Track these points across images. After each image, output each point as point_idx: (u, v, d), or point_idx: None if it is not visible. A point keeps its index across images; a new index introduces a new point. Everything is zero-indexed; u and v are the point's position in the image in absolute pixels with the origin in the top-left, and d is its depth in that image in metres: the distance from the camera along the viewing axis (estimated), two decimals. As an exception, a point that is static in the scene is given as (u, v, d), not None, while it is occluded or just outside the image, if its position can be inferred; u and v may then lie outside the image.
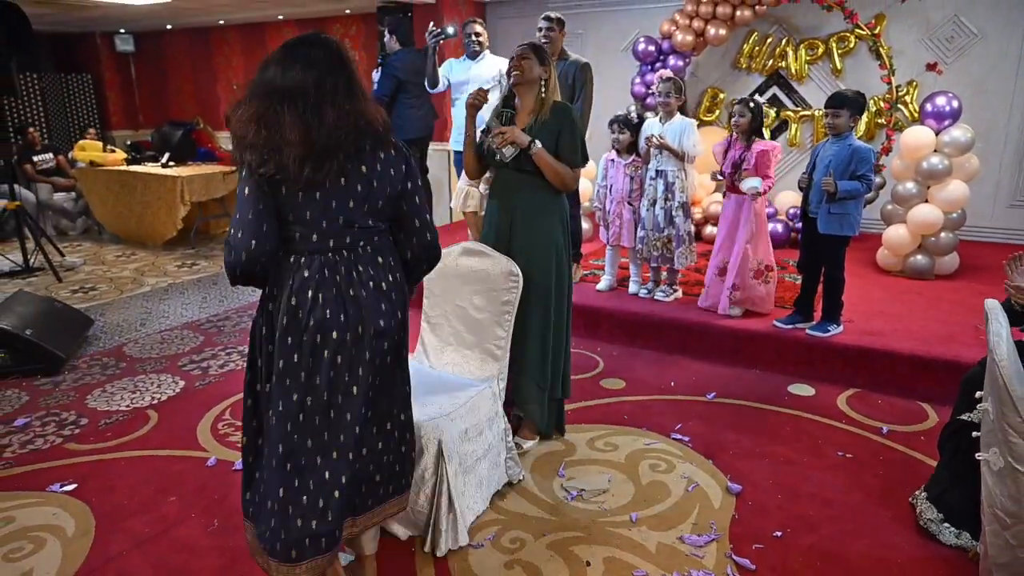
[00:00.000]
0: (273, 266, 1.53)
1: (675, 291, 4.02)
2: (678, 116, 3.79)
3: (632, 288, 4.09)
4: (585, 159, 2.53)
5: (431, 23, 5.05)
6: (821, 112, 5.74)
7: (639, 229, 3.94)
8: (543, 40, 3.87)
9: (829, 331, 3.40)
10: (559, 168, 2.44)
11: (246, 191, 1.46)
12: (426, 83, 4.65)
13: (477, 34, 4.44)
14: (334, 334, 1.52)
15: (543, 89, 2.46)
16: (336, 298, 1.52)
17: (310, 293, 1.51)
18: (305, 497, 1.53)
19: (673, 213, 3.79)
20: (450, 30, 4.53)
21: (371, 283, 1.57)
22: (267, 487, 1.56)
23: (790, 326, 3.50)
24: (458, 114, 4.50)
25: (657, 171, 3.79)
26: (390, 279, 1.62)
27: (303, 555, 1.54)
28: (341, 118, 1.46)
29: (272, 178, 1.45)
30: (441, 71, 4.59)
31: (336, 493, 1.56)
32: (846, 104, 3.16)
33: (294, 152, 1.42)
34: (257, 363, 1.61)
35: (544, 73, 2.46)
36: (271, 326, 1.56)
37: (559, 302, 2.55)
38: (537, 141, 2.41)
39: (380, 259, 1.60)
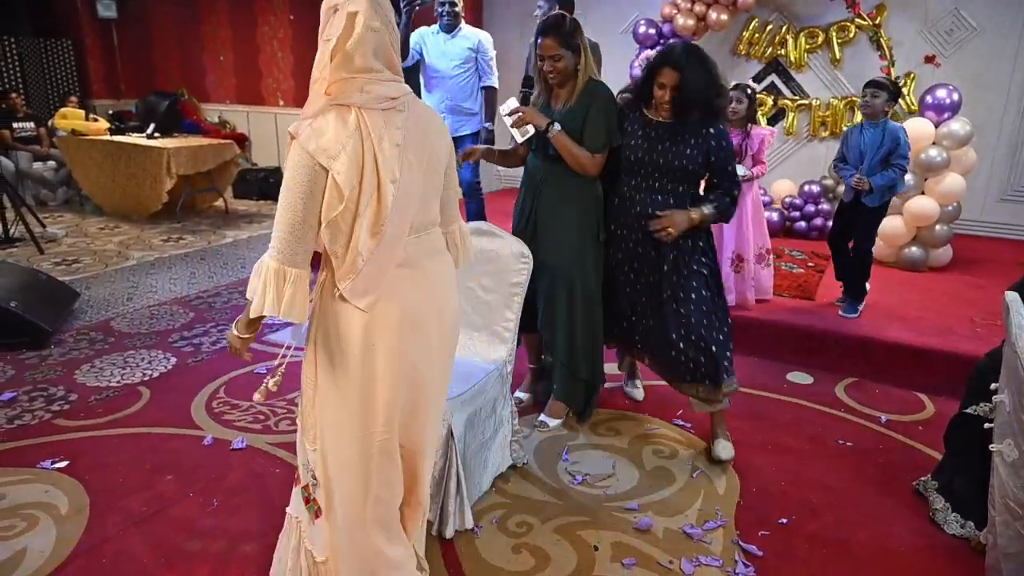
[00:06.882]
0: None
1: None
2: None
3: None
4: (611, 143, 2.37)
5: None
6: (817, 102, 5.76)
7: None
8: None
9: (859, 309, 3.47)
10: (576, 152, 2.36)
11: None
12: None
13: (452, 3, 3.93)
14: None
15: (578, 74, 2.34)
16: None
17: None
18: None
19: None
20: None
21: None
22: None
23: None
24: (428, 100, 4.08)
25: None
26: None
27: None
28: None
29: None
30: (412, 41, 4.01)
31: None
32: (884, 87, 3.21)
33: None
34: None
35: (577, 58, 2.31)
36: None
37: (586, 288, 2.49)
38: (556, 124, 2.33)
39: None
